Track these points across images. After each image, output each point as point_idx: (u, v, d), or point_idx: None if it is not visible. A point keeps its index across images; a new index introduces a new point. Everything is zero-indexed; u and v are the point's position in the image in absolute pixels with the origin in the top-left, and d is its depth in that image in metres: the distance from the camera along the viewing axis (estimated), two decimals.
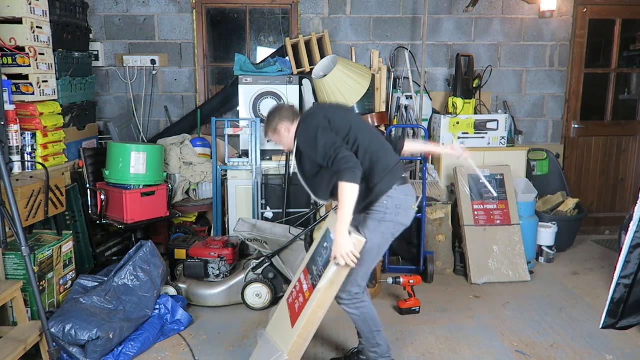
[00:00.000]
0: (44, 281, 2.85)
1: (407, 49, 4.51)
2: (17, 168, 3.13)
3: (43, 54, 3.33)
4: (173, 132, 4.35)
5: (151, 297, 2.99)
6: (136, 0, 4.44)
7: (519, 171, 4.29)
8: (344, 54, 4.46)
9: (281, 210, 3.91)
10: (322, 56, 4.01)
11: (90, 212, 3.69)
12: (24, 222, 2.69)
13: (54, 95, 3.47)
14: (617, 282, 2.22)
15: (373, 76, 4.01)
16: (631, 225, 2.16)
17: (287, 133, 2.45)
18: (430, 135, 4.43)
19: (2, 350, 2.32)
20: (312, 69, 3.96)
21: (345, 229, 2.16)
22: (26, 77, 3.22)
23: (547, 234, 4.17)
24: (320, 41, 4.09)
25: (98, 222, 3.68)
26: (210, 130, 4.00)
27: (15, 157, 3.11)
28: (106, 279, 3.01)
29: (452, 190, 4.21)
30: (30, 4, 3.19)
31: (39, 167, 3.14)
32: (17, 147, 3.12)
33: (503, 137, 4.28)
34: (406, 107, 4.36)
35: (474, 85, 4.35)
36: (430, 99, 4.54)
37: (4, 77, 2.99)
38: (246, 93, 3.94)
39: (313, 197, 2.46)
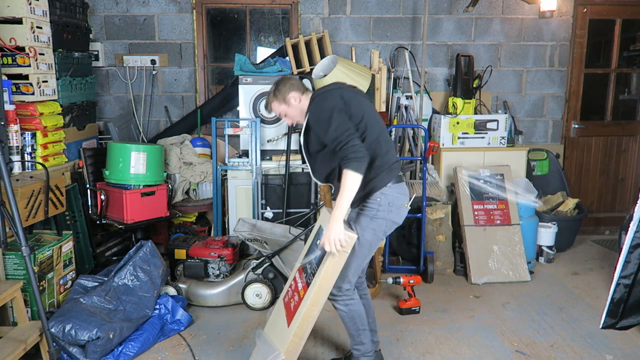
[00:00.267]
0: (44, 281, 2.85)
1: (407, 49, 4.51)
2: (17, 168, 3.13)
3: (43, 54, 3.33)
4: (173, 132, 4.35)
5: (151, 297, 2.99)
6: (136, 0, 4.44)
7: (519, 171, 4.30)
8: (344, 54, 4.46)
9: (281, 210, 3.91)
10: (322, 56, 4.01)
11: (90, 212, 3.69)
12: (24, 222, 2.69)
13: (54, 95, 3.47)
14: (617, 282, 2.22)
15: (373, 76, 4.02)
16: (631, 225, 2.15)
17: (296, 103, 2.39)
18: (430, 135, 4.43)
19: (2, 350, 2.32)
20: (312, 69, 3.96)
21: (341, 215, 2.14)
22: (26, 77, 3.22)
23: (547, 234, 4.17)
24: (320, 41, 4.09)
25: (98, 222, 3.68)
26: (210, 130, 4.00)
27: (15, 157, 3.11)
28: (106, 279, 3.01)
29: (452, 190, 4.21)
30: (30, 4, 3.19)
31: (39, 167, 3.14)
32: (17, 147, 3.12)
33: (503, 137, 4.29)
34: (406, 107, 4.36)
35: (474, 85, 4.35)
36: (430, 99, 4.54)
37: (4, 77, 2.99)
38: (246, 93, 3.94)
39: (311, 175, 2.45)
